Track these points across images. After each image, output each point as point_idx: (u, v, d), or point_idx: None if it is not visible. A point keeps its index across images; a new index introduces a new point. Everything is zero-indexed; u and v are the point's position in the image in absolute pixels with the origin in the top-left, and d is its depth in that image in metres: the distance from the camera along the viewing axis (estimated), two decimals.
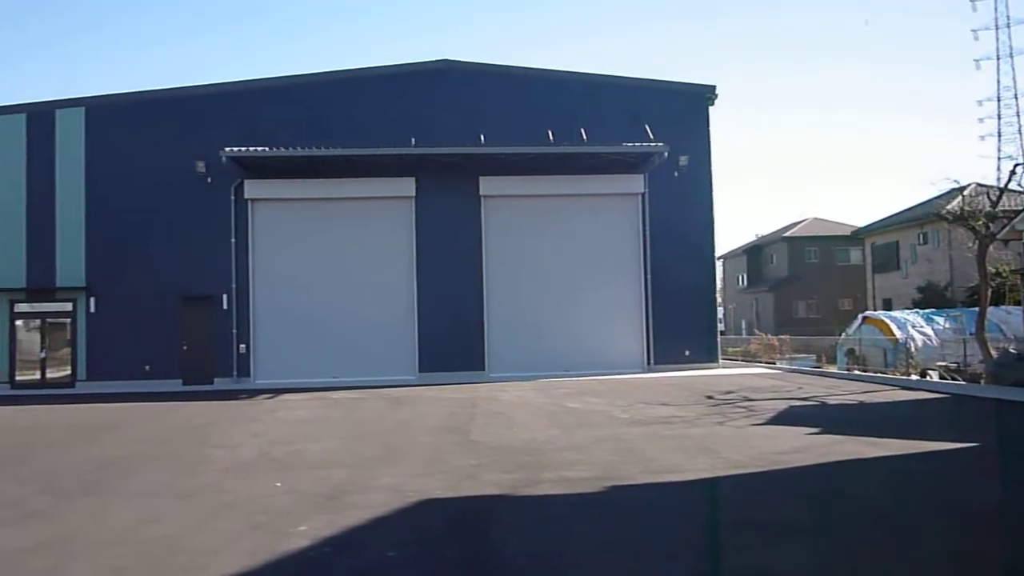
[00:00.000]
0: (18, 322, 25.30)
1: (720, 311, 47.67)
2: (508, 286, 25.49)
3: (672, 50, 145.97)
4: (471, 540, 6.96)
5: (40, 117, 25.36)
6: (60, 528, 7.49)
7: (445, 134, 24.94)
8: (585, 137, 25.14)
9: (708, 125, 26.54)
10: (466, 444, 11.81)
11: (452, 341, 24.96)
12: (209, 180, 24.84)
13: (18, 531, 7.38)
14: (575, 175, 25.63)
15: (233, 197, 25.08)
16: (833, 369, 24.51)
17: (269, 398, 20.19)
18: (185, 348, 24.83)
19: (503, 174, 25.44)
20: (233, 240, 24.99)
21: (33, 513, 8.10)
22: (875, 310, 33.26)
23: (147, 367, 24.53)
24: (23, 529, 7.46)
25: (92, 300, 24.96)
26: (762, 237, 58.94)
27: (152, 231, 25.02)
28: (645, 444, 11.34)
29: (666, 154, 24.51)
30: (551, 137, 25.05)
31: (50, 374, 25.18)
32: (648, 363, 25.55)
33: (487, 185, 25.49)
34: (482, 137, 24.95)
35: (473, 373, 24.54)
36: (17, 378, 24.95)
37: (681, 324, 25.71)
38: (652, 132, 25.28)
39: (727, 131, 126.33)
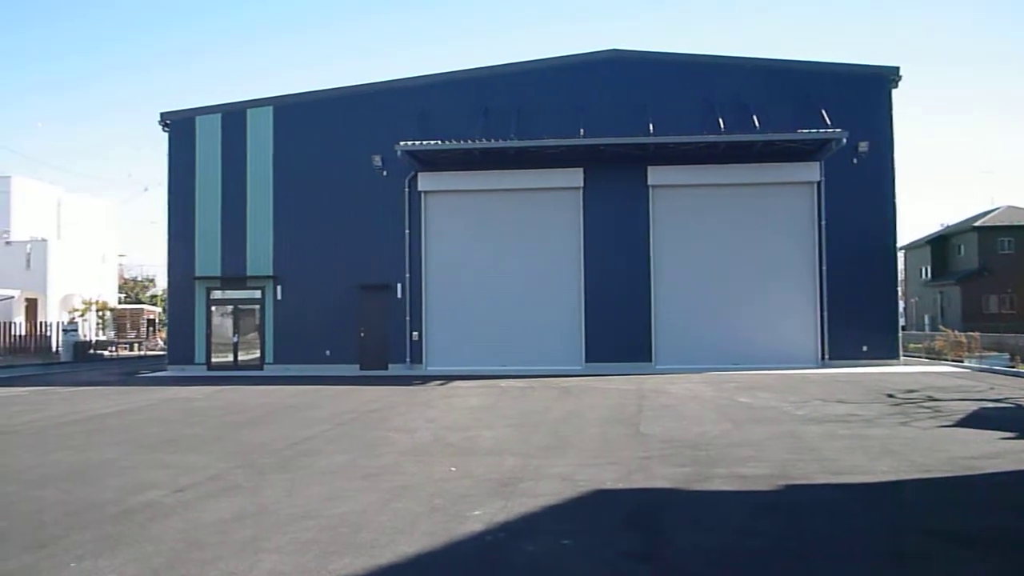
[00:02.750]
0: (213, 308, 27.26)
1: (901, 305, 45.19)
2: (677, 277, 25.19)
3: (851, 37, 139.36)
4: (644, 532, 6.97)
5: (233, 117, 27.17)
6: (256, 501, 8.04)
7: (613, 124, 24.88)
8: (758, 124, 24.43)
9: (891, 110, 25.14)
10: (635, 436, 11.79)
11: (619, 332, 24.93)
12: (385, 173, 25.85)
13: (221, 503, 7.98)
14: (747, 163, 24.96)
15: (407, 189, 26.01)
16: None
17: (441, 384, 20.84)
18: (362, 335, 26.01)
19: (672, 163, 25.12)
20: (407, 231, 25.91)
21: (233, 487, 8.74)
22: None
23: (327, 352, 25.89)
24: (225, 501, 8.06)
25: (279, 288, 26.57)
26: (948, 227, 55.36)
27: (332, 222, 26.32)
28: (822, 443, 10.95)
29: (844, 140, 23.44)
30: (722, 125, 24.50)
31: (241, 357, 27.01)
32: (822, 358, 24.63)
33: (656, 175, 25.24)
34: (651, 126, 24.70)
35: (640, 364, 24.43)
36: (213, 360, 26.91)
37: (859, 318, 24.61)
38: (829, 117, 24.27)
39: (909, 119, 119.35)
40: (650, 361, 24.79)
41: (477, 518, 7.19)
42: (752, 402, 15.85)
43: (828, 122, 24.17)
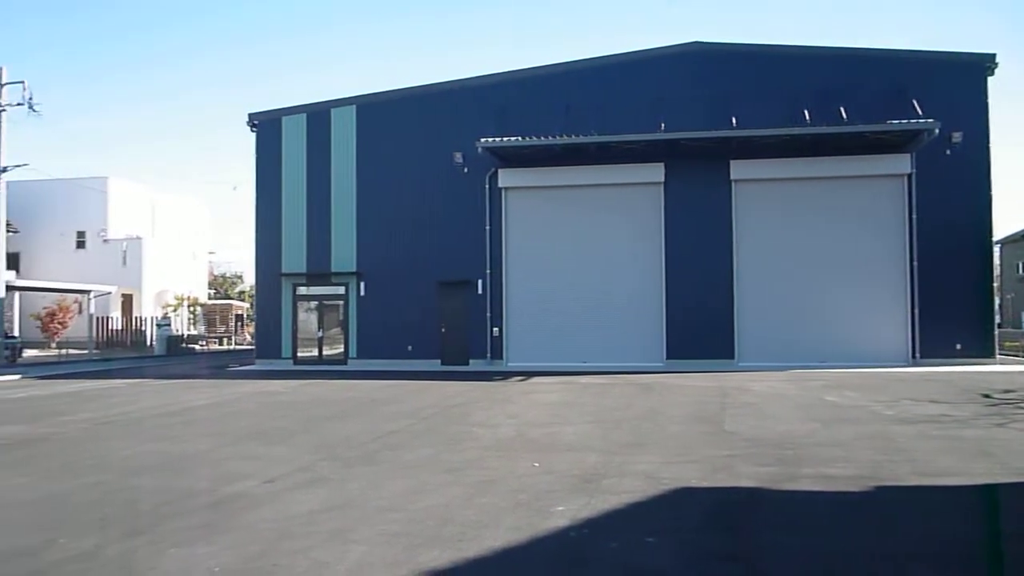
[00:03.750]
0: (299, 304, 27.92)
1: (996, 301, 43.51)
2: (760, 273, 24.75)
3: (945, 23, 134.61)
4: (729, 532, 6.88)
5: (318, 116, 27.77)
6: (343, 493, 8.21)
7: (695, 117, 24.58)
8: (845, 115, 23.82)
9: (986, 98, 24.17)
10: (719, 434, 11.65)
11: (701, 329, 24.64)
12: (466, 170, 26.06)
13: (310, 494, 8.19)
14: (834, 156, 24.34)
15: (488, 186, 26.17)
16: None
17: (521, 380, 20.94)
18: (443, 330, 26.28)
19: (755, 157, 24.70)
20: (487, 228, 26.08)
21: (321, 479, 8.95)
22: None
23: (409, 347, 26.25)
24: (313, 493, 8.25)
25: (362, 284, 27.05)
26: None
27: (414, 219, 26.66)
28: (913, 444, 10.64)
29: (937, 131, 22.69)
30: (807, 117, 23.96)
31: (326, 352, 27.61)
32: (912, 356, 23.90)
33: (738, 169, 24.85)
34: (733, 120, 24.32)
35: (722, 362, 24.09)
36: (299, 354, 27.56)
37: (951, 315, 23.78)
38: (921, 107, 23.51)
39: (1007, 107, 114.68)
40: (732, 359, 24.43)
41: (561, 514, 7.21)
42: (839, 401, 15.50)
43: (920, 112, 23.43)
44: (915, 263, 24.09)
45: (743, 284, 24.86)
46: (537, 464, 9.53)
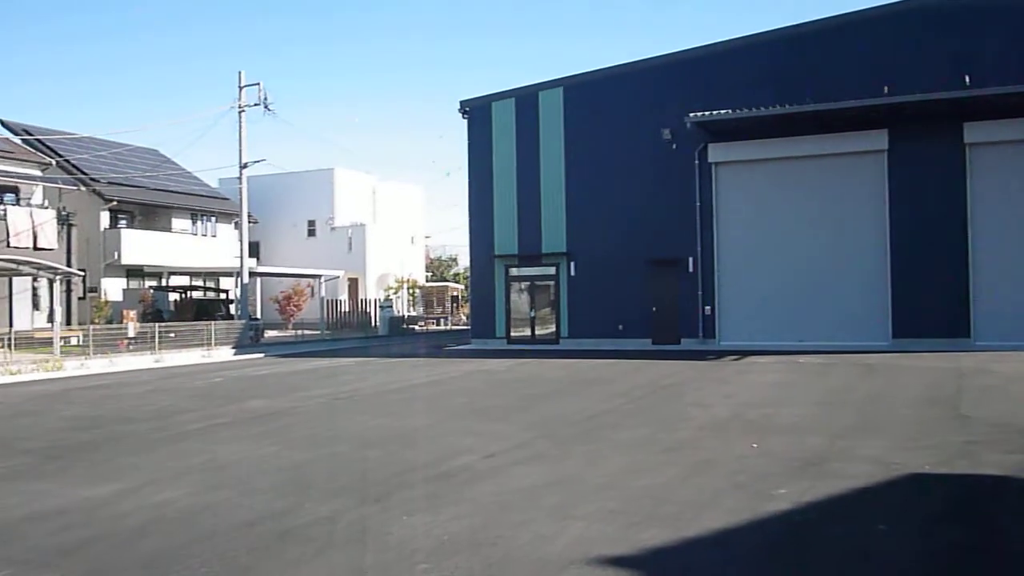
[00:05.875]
0: (511, 284, 28.63)
1: None
2: (1000, 244, 22.65)
3: None
4: (971, 523, 6.41)
5: (526, 100, 28.22)
6: (561, 470, 8.38)
7: (921, 79, 22.78)
8: None
9: None
10: (955, 418, 10.86)
11: (931, 305, 22.94)
12: (674, 147, 25.64)
13: (529, 470, 8.41)
14: None
15: (697, 161, 25.61)
16: None
17: (736, 360, 20.45)
18: (654, 309, 26.08)
19: (992, 118, 22.63)
20: (698, 204, 25.55)
21: (538, 455, 9.17)
22: None
23: (620, 326, 26.24)
24: (532, 469, 8.47)
25: (572, 264, 27.32)
26: None
27: (622, 198, 26.55)
28: None
29: None
30: None
31: (537, 331, 28.15)
32: None
33: (973, 132, 22.85)
34: (967, 78, 22.40)
35: (956, 341, 22.32)
36: (512, 334, 28.29)
37: None
38: None
39: None
40: (968, 337, 22.57)
41: (783, 497, 7.00)
42: None
43: None
44: None
45: (980, 257, 22.88)
46: (755, 445, 9.30)
